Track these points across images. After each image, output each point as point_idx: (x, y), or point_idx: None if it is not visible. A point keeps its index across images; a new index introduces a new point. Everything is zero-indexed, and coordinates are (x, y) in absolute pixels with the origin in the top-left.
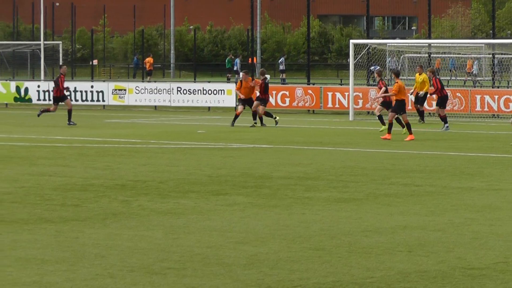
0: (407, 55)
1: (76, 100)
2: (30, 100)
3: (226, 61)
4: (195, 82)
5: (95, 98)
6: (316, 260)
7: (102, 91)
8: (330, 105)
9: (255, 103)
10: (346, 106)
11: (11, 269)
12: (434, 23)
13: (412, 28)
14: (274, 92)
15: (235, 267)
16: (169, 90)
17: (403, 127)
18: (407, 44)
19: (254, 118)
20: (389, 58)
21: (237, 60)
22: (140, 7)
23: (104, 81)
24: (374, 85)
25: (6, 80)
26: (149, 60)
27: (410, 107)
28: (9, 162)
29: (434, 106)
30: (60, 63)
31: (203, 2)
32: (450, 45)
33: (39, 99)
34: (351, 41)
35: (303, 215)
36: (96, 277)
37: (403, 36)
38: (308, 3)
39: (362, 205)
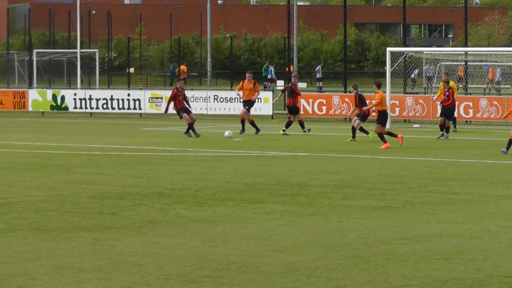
0: (443, 63)
1: (113, 109)
2: (66, 108)
3: (263, 69)
4: (231, 90)
5: (131, 106)
6: (353, 268)
7: (138, 99)
8: None
9: (243, 110)
10: None
11: (47, 277)
12: (471, 31)
13: (449, 36)
14: (311, 100)
15: (272, 275)
16: (205, 98)
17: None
18: (443, 52)
19: (243, 126)
20: (426, 66)
21: (271, 68)
22: (176, 15)
23: (140, 89)
24: (412, 93)
25: (43, 88)
26: (182, 68)
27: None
28: (45, 170)
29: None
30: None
31: (239, 10)
32: (486, 53)
33: (75, 107)
34: (388, 49)
35: (340, 223)
36: (133, 285)
37: (439, 44)
38: (345, 11)
39: (399, 213)
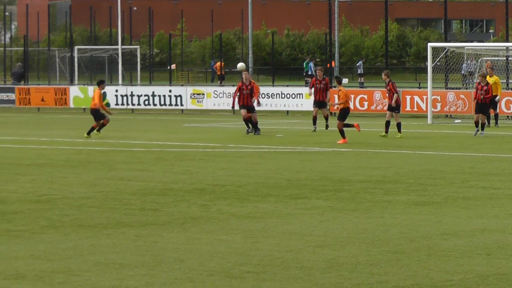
0: (485, 58)
1: (155, 105)
2: (108, 104)
3: (304, 64)
4: (273, 86)
5: (173, 102)
6: (395, 264)
7: (180, 96)
8: (408, 108)
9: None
10: (425, 109)
11: (90, 274)
12: None
13: (490, 31)
14: (352, 96)
15: (314, 271)
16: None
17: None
18: (485, 47)
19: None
20: (467, 61)
21: (311, 64)
22: (217, 12)
23: (182, 85)
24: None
25: (84, 85)
26: (220, 64)
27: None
28: (87, 166)
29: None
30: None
31: (280, 6)
32: None
33: (117, 104)
34: (429, 44)
35: (382, 218)
36: (175, 281)
37: (480, 39)
38: (386, 6)
39: (441, 208)
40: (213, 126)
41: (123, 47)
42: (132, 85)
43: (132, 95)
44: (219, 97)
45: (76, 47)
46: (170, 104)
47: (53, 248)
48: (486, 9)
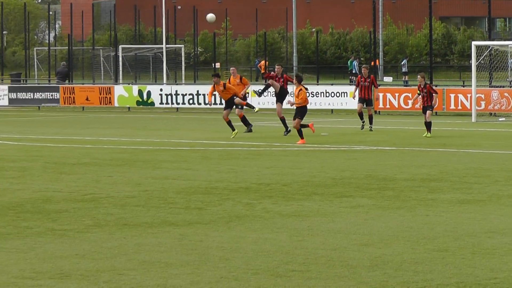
0: None
1: (199, 104)
2: (152, 103)
3: (348, 63)
4: (318, 84)
5: (218, 101)
6: (440, 262)
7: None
8: (452, 106)
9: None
10: (469, 107)
11: (135, 273)
12: None
13: None
14: (396, 94)
15: (359, 269)
16: (291, 92)
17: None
18: None
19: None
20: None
21: (355, 62)
22: (262, 10)
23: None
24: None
25: (129, 84)
26: (264, 63)
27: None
28: (132, 165)
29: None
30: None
31: (324, 5)
32: None
33: (161, 103)
34: (473, 42)
35: (427, 216)
36: (220, 280)
37: None
38: (430, 4)
39: (486, 206)
40: (258, 125)
41: (167, 46)
42: (177, 84)
43: (176, 94)
44: (263, 96)
45: (120, 46)
46: (215, 103)
47: (98, 247)
48: None
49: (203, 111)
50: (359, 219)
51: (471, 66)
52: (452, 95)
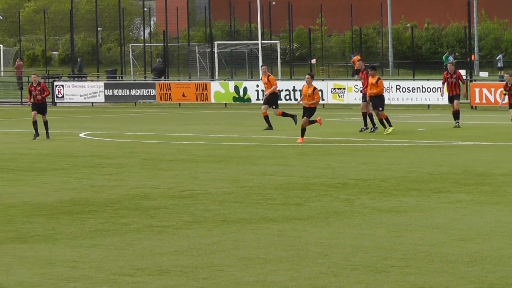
0: None
1: (296, 100)
2: (249, 100)
3: (444, 58)
4: (414, 80)
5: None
6: None
7: (321, 90)
8: None
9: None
10: None
11: (233, 269)
12: None
13: None
14: (492, 90)
15: (458, 264)
16: (388, 88)
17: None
18: None
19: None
20: None
21: (450, 57)
22: (356, 6)
23: (323, 79)
24: None
25: (225, 80)
26: (356, 59)
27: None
28: (229, 162)
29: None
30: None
31: (419, 0)
32: None
33: (258, 99)
34: None
35: None
36: (319, 276)
37: None
38: None
39: None
40: (354, 121)
41: (263, 42)
42: None
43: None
44: (360, 92)
45: (216, 42)
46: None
47: (197, 243)
48: None
49: (299, 107)
50: (457, 214)
51: None
52: None
